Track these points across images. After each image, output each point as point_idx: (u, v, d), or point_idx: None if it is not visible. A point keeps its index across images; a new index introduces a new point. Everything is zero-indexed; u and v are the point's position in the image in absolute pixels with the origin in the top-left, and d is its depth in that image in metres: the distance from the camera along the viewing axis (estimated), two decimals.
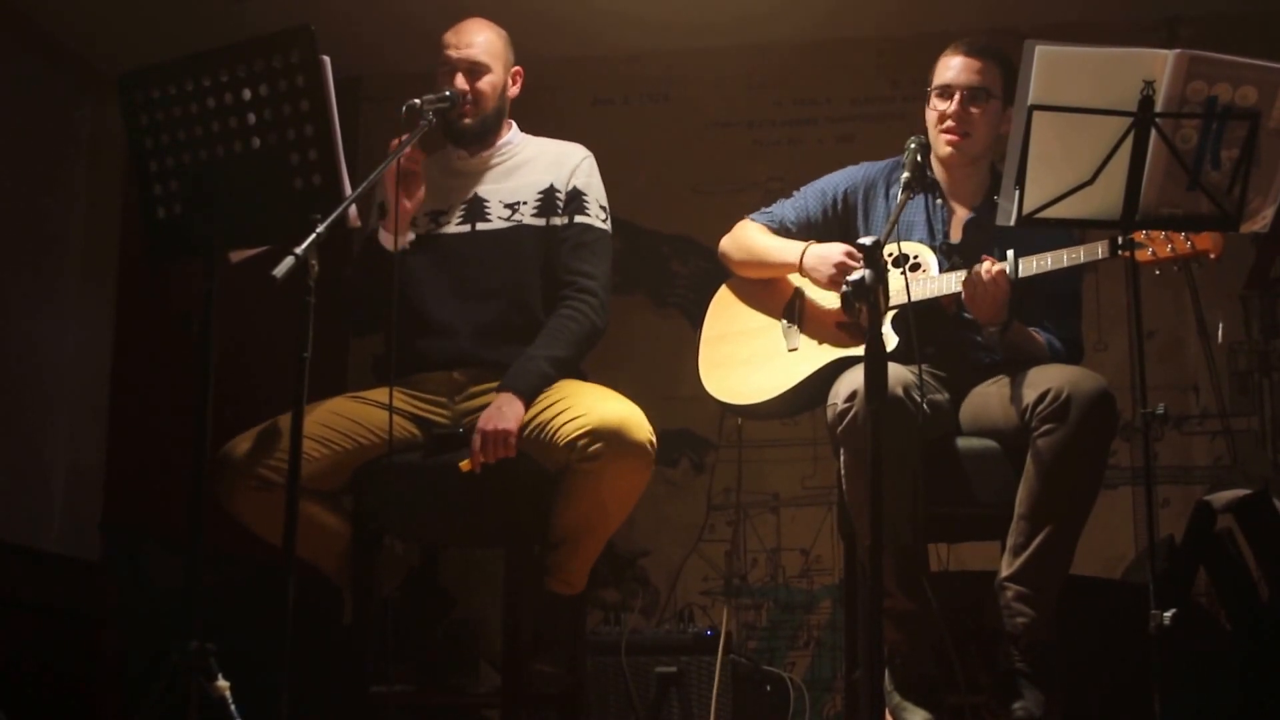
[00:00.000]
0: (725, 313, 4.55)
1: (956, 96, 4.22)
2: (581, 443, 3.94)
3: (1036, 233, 3.79)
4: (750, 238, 4.49)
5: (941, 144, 4.27)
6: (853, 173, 4.48)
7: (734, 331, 4.48)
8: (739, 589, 6.35)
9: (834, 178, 4.49)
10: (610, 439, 3.93)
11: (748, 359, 4.40)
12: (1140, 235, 3.77)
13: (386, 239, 4.27)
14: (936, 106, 4.28)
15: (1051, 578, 3.87)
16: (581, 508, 4.06)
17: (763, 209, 4.54)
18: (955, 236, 4.30)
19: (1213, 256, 3.84)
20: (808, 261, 4.31)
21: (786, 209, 4.49)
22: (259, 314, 4.36)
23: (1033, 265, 3.97)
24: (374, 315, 4.38)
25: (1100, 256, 3.84)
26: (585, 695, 4.43)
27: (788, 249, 4.38)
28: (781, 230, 4.46)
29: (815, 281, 4.31)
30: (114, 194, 6.66)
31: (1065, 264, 3.93)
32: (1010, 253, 3.98)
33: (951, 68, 4.26)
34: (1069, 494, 3.85)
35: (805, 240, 4.40)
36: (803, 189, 4.52)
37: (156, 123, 3.59)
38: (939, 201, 4.32)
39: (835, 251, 4.25)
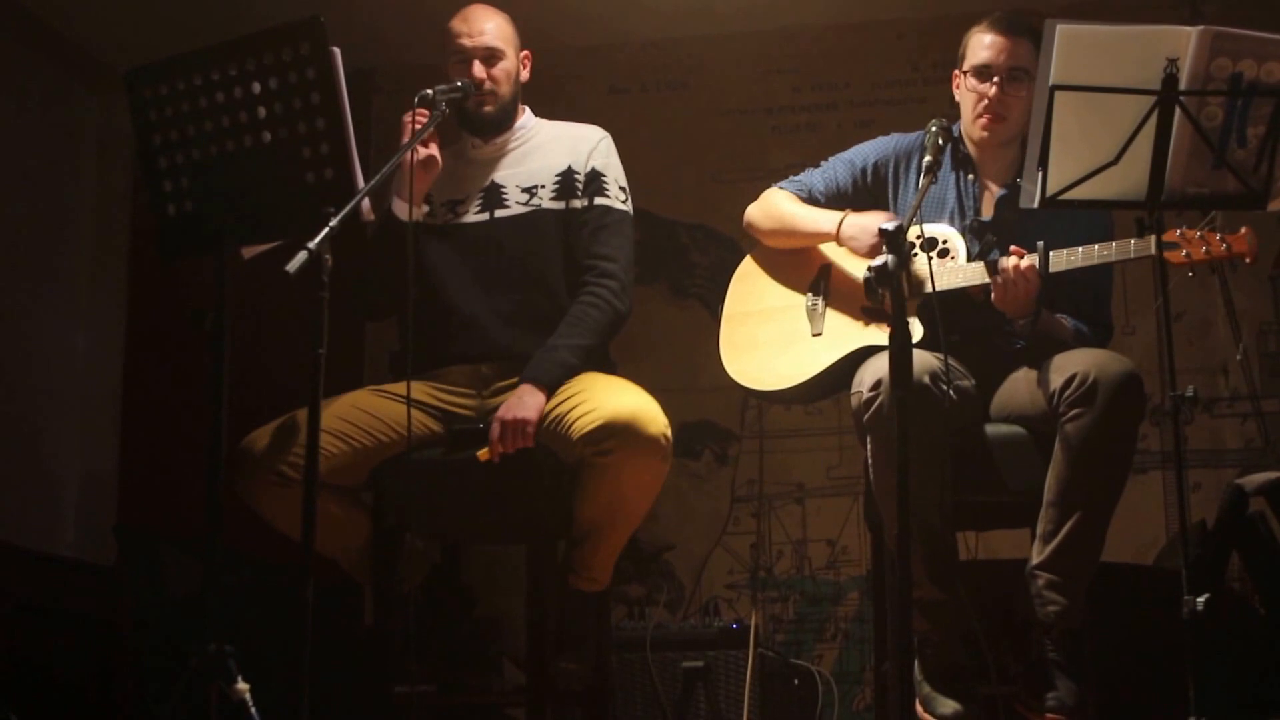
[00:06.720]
0: (748, 289, 4.46)
1: (997, 79, 4.12)
2: (594, 437, 3.90)
3: (1067, 210, 3.71)
4: (781, 206, 4.40)
5: (978, 128, 4.18)
6: (883, 144, 4.39)
7: (756, 310, 4.40)
8: (765, 582, 6.31)
9: (864, 148, 4.41)
10: (622, 433, 3.89)
11: (769, 341, 4.33)
12: (1175, 235, 3.72)
13: (401, 208, 4.24)
14: (974, 88, 4.16)
15: (1082, 564, 3.83)
16: (599, 502, 4.02)
17: (791, 178, 4.46)
18: (987, 214, 4.22)
19: (1248, 260, 3.76)
20: (846, 230, 4.22)
21: (815, 178, 4.41)
22: (272, 310, 4.32)
23: (1063, 260, 3.89)
24: (391, 297, 4.33)
25: (1133, 255, 3.77)
26: (611, 692, 4.39)
27: (823, 218, 4.29)
28: (810, 200, 4.38)
29: (854, 250, 4.21)
30: (123, 192, 6.65)
31: (1097, 260, 3.85)
32: (1040, 244, 3.89)
33: (989, 47, 4.13)
34: (1098, 479, 3.80)
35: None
36: (831, 159, 4.44)
37: (165, 118, 3.57)
38: (971, 178, 4.24)
39: (877, 220, 4.11)
